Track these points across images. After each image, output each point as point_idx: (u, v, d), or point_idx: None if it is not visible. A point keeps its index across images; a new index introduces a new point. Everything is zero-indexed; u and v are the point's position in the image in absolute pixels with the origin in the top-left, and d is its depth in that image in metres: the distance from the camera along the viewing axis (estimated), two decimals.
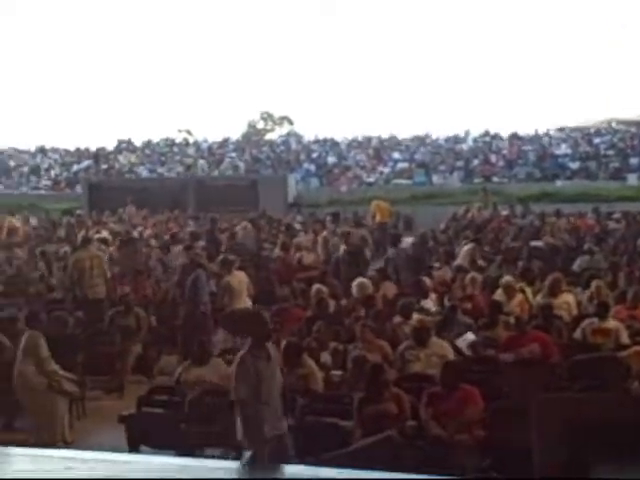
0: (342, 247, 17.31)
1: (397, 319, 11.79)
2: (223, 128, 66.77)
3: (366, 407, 8.50)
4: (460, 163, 37.22)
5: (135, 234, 21.15)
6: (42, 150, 46.00)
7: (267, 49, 80.00)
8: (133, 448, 9.03)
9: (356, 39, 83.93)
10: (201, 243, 18.50)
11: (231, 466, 6.54)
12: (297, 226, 23.26)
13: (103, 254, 15.77)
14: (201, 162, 41.61)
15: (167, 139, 47.88)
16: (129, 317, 13.21)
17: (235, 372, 7.24)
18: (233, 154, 42.96)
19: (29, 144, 47.73)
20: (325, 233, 19.99)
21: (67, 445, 9.72)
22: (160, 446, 8.90)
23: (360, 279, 14.07)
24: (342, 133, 45.42)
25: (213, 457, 8.22)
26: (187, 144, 47.13)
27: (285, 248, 17.61)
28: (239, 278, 13.74)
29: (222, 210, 27.48)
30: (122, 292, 14.45)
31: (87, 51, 78.90)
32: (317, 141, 44.28)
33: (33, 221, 27.60)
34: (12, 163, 44.04)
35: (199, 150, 44.72)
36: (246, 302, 13.69)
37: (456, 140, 41.44)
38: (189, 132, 53.36)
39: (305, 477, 5.53)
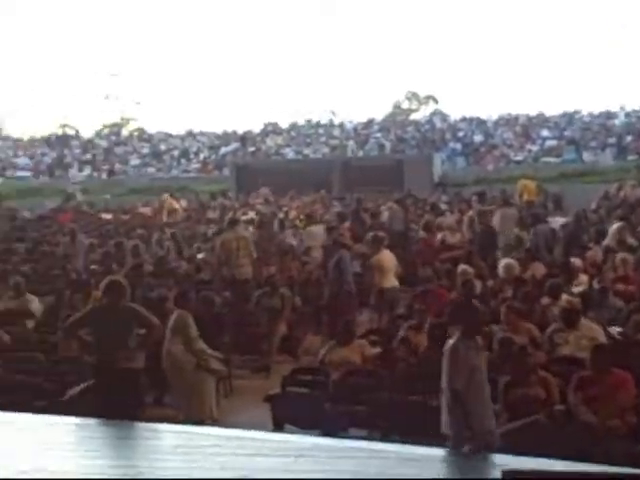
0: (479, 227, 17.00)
1: (545, 300, 11.46)
2: (368, 108, 66.59)
3: (512, 390, 8.28)
4: (612, 140, 36.00)
5: (281, 215, 21.34)
6: (191, 134, 47.07)
7: (414, 28, 79.23)
8: (278, 427, 9.10)
9: (503, 15, 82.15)
10: (346, 224, 18.52)
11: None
12: (443, 206, 22.99)
13: (249, 235, 15.96)
14: (350, 143, 41.70)
15: (312, 121, 48.23)
16: (275, 298, 13.32)
17: (448, 362, 6.92)
18: (378, 134, 42.86)
19: (179, 128, 48.98)
20: (471, 212, 19.66)
21: (214, 423, 9.87)
22: (304, 426, 8.94)
23: (507, 260, 13.77)
24: (488, 111, 44.66)
25: (357, 438, 8.17)
26: (332, 125, 47.31)
27: (427, 228, 17.39)
28: (388, 256, 13.72)
29: (367, 190, 27.45)
30: (268, 273, 14.59)
31: (233, 36, 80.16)
32: (463, 120, 43.69)
33: (183, 203, 28.29)
34: (163, 147, 45.22)
35: (344, 131, 44.82)
36: (393, 281, 13.67)
37: (608, 116, 40.13)
38: (334, 113, 53.62)
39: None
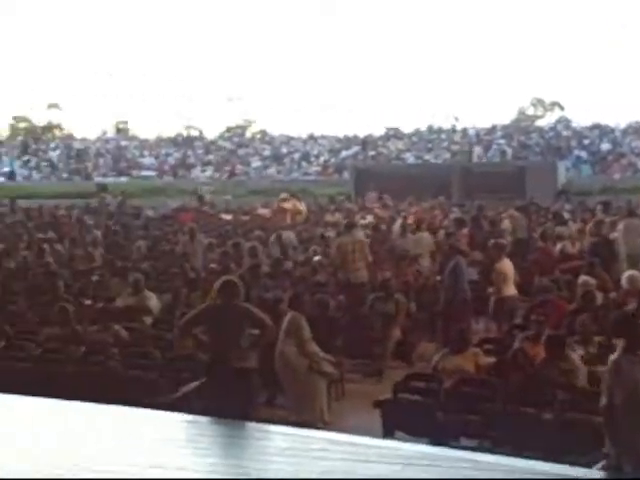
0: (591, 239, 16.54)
1: None
2: (492, 115, 65.88)
3: None
4: None
5: (400, 220, 21.20)
6: (312, 137, 47.42)
7: (542, 34, 77.98)
8: (388, 433, 9.01)
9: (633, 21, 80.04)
10: (464, 230, 18.30)
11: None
12: (565, 215, 22.46)
13: (366, 239, 15.91)
14: (477, 149, 41.30)
15: (434, 126, 47.94)
16: (389, 303, 13.21)
17: (610, 377, 6.68)
18: (501, 140, 42.33)
19: (300, 131, 49.37)
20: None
21: (325, 426, 9.85)
22: (415, 433, 8.82)
23: (631, 271, 13.34)
24: (616, 119, 43.56)
25: (467, 448, 8.01)
26: (454, 131, 46.94)
27: (545, 237, 17.03)
28: (508, 265, 13.52)
29: (487, 197, 27.10)
30: (383, 277, 14.50)
31: (359, 41, 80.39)
32: (590, 127, 42.73)
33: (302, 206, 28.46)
34: (284, 150, 45.68)
35: (466, 136, 44.41)
36: (513, 290, 13.45)
37: None
38: (457, 119, 53.18)
39: None
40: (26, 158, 47.54)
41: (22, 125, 71.38)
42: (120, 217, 26.66)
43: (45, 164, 46.55)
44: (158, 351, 10.78)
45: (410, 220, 22.02)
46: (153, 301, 13.18)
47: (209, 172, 43.18)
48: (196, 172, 43.39)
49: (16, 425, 7.16)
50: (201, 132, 59.09)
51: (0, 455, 6.04)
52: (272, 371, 10.29)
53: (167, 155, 46.40)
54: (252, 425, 7.75)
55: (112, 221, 24.77)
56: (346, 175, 37.78)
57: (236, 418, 7.85)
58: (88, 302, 13.04)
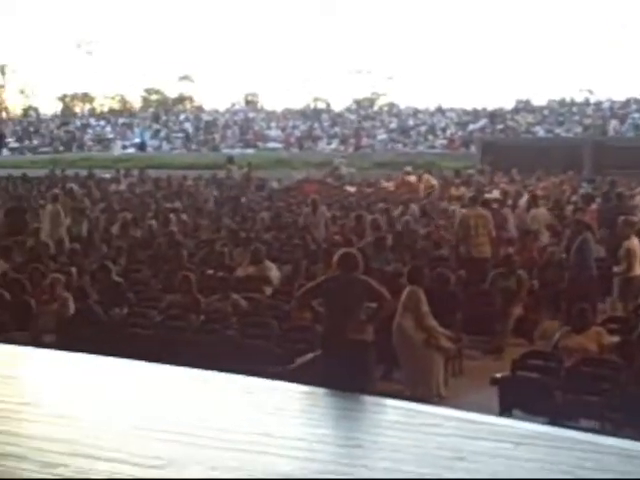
0: None
1: None
2: (626, 88, 63.67)
3: None
4: None
5: (525, 195, 20.79)
6: (440, 110, 46.93)
7: None
8: (505, 411, 8.85)
9: None
10: (593, 206, 17.83)
11: None
12: None
13: (489, 214, 15.65)
14: (613, 122, 40.12)
15: (566, 99, 46.77)
16: (511, 279, 12.96)
17: None
18: (636, 115, 40.98)
19: (428, 104, 48.92)
20: None
21: (441, 401, 9.75)
22: (532, 412, 8.63)
23: None
24: None
25: (585, 430, 7.79)
26: (587, 104, 45.69)
27: None
28: (637, 243, 13.10)
29: (618, 173, 26.25)
30: (506, 253, 14.24)
31: (489, 12, 78.97)
32: None
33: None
34: (411, 122, 45.37)
35: (600, 110, 43.18)
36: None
37: None
38: (590, 92, 51.76)
39: None
40: (157, 129, 48.62)
41: (154, 97, 73.10)
42: (245, 188, 27.00)
43: (175, 135, 47.52)
44: (275, 321, 10.87)
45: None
46: (273, 272, 13.29)
47: (334, 144, 43.27)
48: (322, 144, 43.55)
49: (146, 393, 7.27)
50: (328, 104, 59.27)
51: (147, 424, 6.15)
52: (389, 344, 10.23)
53: (294, 127, 46.72)
54: (366, 398, 7.72)
55: (237, 192, 25.10)
56: (473, 149, 37.28)
57: (352, 391, 7.83)
58: (210, 271, 13.23)
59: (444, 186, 26.20)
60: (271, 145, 44.03)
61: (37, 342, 10.38)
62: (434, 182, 25.76)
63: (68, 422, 6.03)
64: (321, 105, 59.28)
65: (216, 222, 18.70)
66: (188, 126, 48.96)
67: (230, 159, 32.77)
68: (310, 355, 9.61)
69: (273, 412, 6.75)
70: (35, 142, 48.08)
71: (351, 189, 27.41)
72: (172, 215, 18.54)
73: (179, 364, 8.15)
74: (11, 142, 48.01)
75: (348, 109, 53.12)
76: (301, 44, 78.66)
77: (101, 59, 72.31)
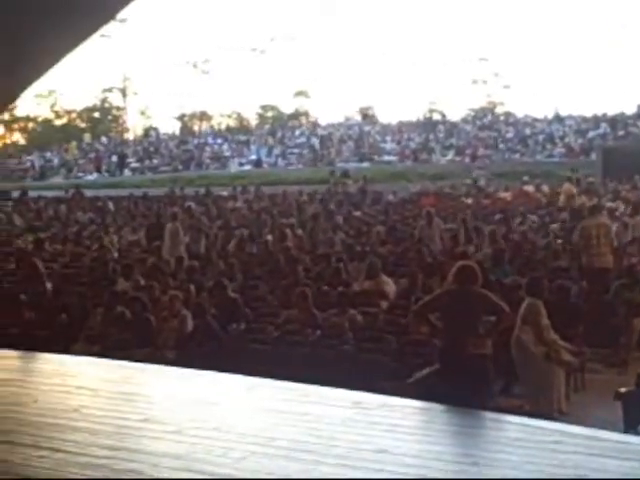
0: None
1: None
2: None
3: None
4: None
5: None
6: (558, 117, 46.05)
7: None
8: (630, 428, 8.54)
9: None
10: None
11: None
12: None
13: (611, 223, 15.24)
14: None
15: None
16: (635, 289, 12.56)
17: None
18: None
19: (546, 112, 48.09)
20: None
21: (562, 417, 9.49)
22: None
23: None
24: None
25: None
26: None
27: None
28: None
29: None
30: (629, 263, 13.82)
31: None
32: None
33: (545, 189, 27.74)
34: (527, 131, 44.65)
35: None
36: None
37: None
38: None
39: None
40: (272, 145, 49.16)
41: (270, 114, 73.95)
42: (361, 202, 26.99)
43: (290, 151, 47.94)
44: (392, 336, 10.79)
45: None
46: (389, 286, 13.22)
47: (450, 156, 42.93)
48: (437, 156, 43.28)
49: (261, 408, 7.31)
50: (444, 115, 58.90)
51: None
52: (508, 359, 10.03)
53: (409, 139, 46.54)
54: (484, 414, 7.59)
55: (353, 206, 25.12)
56: (593, 156, 36.42)
57: (470, 406, 7.71)
58: (326, 287, 13.24)
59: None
60: (386, 158, 43.96)
61: (158, 359, 10.57)
62: (574, 191, 25.10)
63: (186, 439, 6.10)
64: (436, 116, 58.94)
65: (331, 236, 18.74)
66: (303, 141, 49.35)
67: (345, 173, 32.84)
68: (427, 370, 9.50)
69: (389, 429, 6.70)
70: (155, 161, 49.18)
71: (468, 201, 27.13)
72: (288, 230, 18.65)
73: (296, 380, 8.17)
74: (132, 162, 49.26)
75: (464, 119, 52.64)
76: (415, 55, 78.37)
77: (217, 78, 73.73)
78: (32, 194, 32.75)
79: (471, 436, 6.97)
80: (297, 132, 53.21)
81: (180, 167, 47.15)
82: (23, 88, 9.65)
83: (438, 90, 68.26)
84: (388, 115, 62.76)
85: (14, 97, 10.65)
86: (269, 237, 18.03)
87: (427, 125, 50.52)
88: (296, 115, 72.07)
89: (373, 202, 27.13)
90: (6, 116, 63.73)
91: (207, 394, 7.86)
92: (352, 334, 10.99)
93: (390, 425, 6.82)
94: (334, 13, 72.75)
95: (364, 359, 10.28)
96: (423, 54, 79.76)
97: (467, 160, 41.43)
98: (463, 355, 8.34)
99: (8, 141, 68.36)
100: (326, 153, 46.23)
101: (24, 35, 7.53)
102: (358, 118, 65.14)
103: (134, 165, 48.99)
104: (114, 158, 49.38)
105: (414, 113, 58.76)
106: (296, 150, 48.08)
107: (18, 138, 72.81)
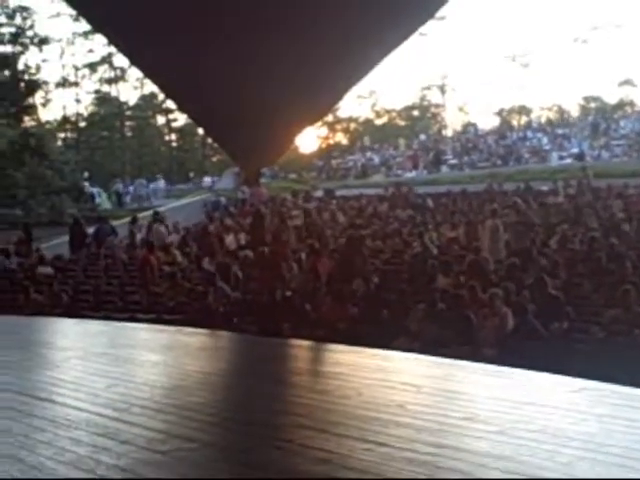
0: None
1: None
2: None
3: None
4: None
5: None
6: None
7: None
8: None
9: None
10: None
11: None
12: None
13: None
14: None
15: None
16: None
17: None
18: None
19: None
20: None
21: None
22: None
23: None
24: None
25: None
26: None
27: None
28: None
29: None
30: None
31: None
32: None
33: None
34: None
35: None
36: None
37: None
38: None
39: None
40: (594, 137, 47.44)
41: (592, 105, 71.55)
42: None
43: (615, 143, 45.98)
44: None
45: None
46: None
47: None
48: None
49: (597, 413, 7.00)
50: None
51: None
52: None
53: None
54: None
55: None
56: None
57: None
58: None
59: None
60: None
61: (478, 356, 10.50)
62: None
63: (510, 440, 5.97)
64: None
65: None
66: (629, 132, 47.15)
67: None
68: None
69: None
70: (473, 157, 49.03)
71: None
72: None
73: (625, 382, 7.79)
74: (450, 159, 49.42)
75: None
76: None
77: (537, 70, 72.40)
78: (354, 192, 33.78)
79: None
80: (622, 123, 51.02)
81: (499, 162, 46.74)
82: (347, 89, 9.93)
83: None
84: None
85: (338, 98, 10.97)
86: (596, 233, 17.31)
87: None
88: (621, 105, 69.22)
89: None
90: (330, 117, 66.38)
91: (530, 394, 7.67)
92: None
93: None
94: None
95: None
96: None
97: None
98: None
99: (331, 142, 71.04)
100: None
101: (355, 35, 7.74)
102: None
103: (452, 162, 49.20)
104: (431, 155, 49.85)
105: None
106: (622, 142, 46.07)
107: (341, 138, 75.56)
